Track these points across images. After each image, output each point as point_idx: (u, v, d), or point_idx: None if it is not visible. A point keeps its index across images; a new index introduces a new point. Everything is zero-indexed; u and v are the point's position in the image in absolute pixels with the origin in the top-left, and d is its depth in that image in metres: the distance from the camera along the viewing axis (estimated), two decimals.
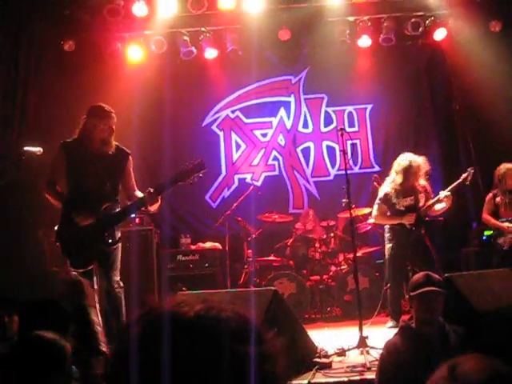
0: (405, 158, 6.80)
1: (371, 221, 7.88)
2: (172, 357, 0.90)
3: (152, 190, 5.06)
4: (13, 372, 1.64)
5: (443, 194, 6.63)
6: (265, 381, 0.94)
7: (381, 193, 6.95)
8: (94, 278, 5.22)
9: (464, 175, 6.88)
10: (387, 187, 6.88)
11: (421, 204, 6.79)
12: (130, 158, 5.43)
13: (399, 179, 6.74)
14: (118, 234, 5.27)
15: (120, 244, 5.30)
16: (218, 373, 0.90)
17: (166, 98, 10.11)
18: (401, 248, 6.76)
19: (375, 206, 6.97)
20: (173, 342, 0.92)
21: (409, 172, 6.69)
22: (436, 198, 6.71)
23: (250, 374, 0.92)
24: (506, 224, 7.40)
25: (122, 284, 5.25)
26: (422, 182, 6.87)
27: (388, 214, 6.88)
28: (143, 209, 5.26)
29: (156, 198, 5.10)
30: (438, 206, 6.77)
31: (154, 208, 5.23)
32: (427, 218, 7.03)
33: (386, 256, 6.95)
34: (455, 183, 6.86)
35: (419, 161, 6.76)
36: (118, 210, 5.25)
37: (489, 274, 4.85)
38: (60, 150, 5.33)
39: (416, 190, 6.81)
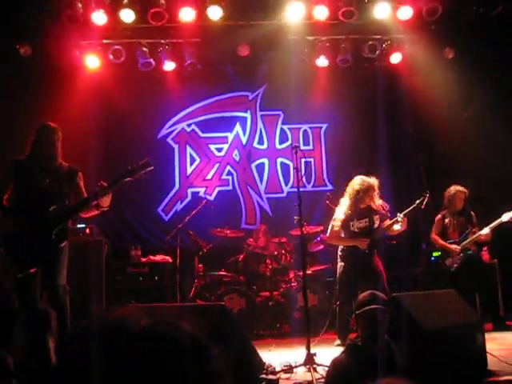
0: (358, 181, 6.88)
1: (323, 239, 7.92)
2: (115, 372, 0.88)
3: (105, 184, 5.11)
4: None
5: (400, 216, 6.72)
6: None
7: (336, 214, 6.99)
8: (37, 285, 5.15)
9: (419, 200, 7.03)
10: (342, 208, 6.93)
11: (376, 225, 6.87)
12: (80, 174, 5.51)
13: (353, 201, 6.80)
14: (66, 238, 5.22)
15: (67, 249, 5.25)
16: None
17: (122, 108, 10.04)
18: (352, 267, 6.81)
19: (330, 227, 7.01)
20: (116, 357, 0.89)
21: (362, 194, 6.77)
22: (393, 220, 6.79)
23: None
24: (454, 246, 7.55)
25: (67, 288, 5.20)
26: (378, 201, 6.93)
27: (342, 235, 6.94)
28: (95, 203, 5.23)
29: (108, 191, 5.14)
30: (394, 227, 6.86)
31: (105, 202, 5.25)
32: (380, 240, 7.13)
33: (338, 274, 6.99)
34: (411, 207, 6.98)
35: (371, 181, 6.84)
36: (67, 208, 5.21)
37: (435, 295, 4.94)
38: (10, 167, 5.38)
39: (371, 212, 6.88)
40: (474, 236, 7.53)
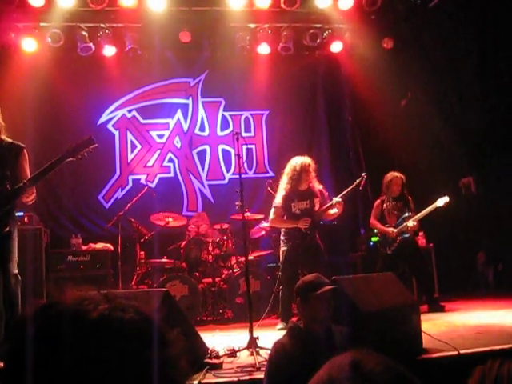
0: (294, 161, 7.01)
1: (265, 224, 8.01)
2: (72, 358, 0.86)
3: (26, 182, 4.97)
4: None
5: (336, 199, 6.84)
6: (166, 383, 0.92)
7: (277, 196, 7.07)
8: None
9: (357, 180, 7.14)
10: (282, 191, 7.03)
11: (316, 208, 6.99)
12: (25, 151, 5.27)
13: (292, 181, 6.93)
14: (12, 221, 5.09)
15: (16, 235, 5.12)
16: (120, 377, 0.87)
17: (60, 93, 9.86)
18: (295, 251, 6.88)
19: (272, 210, 7.08)
20: (73, 343, 0.87)
21: (299, 172, 6.90)
22: (329, 204, 6.89)
23: (153, 378, 0.90)
24: (391, 229, 7.76)
25: (19, 278, 5.08)
26: (318, 186, 7.07)
27: (284, 217, 7.03)
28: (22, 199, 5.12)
29: (30, 187, 5.00)
30: (331, 211, 6.95)
31: (29, 198, 5.11)
32: (321, 223, 7.27)
33: (281, 258, 7.06)
34: (348, 189, 7.09)
35: (307, 160, 6.98)
36: (7, 192, 5.05)
37: (373, 277, 5.07)
38: None
39: (312, 194, 6.99)
40: (408, 223, 7.73)
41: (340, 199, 6.83)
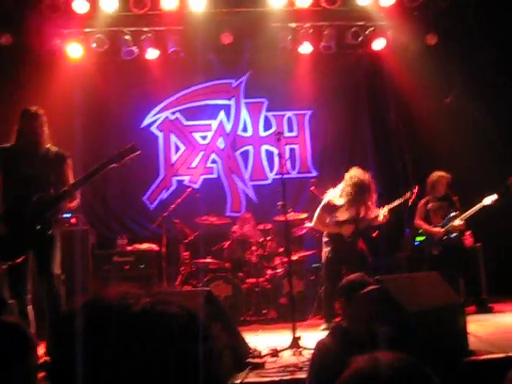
0: (358, 174, 6.91)
1: (309, 224, 7.98)
2: (115, 350, 0.88)
3: (69, 187, 5.14)
4: None
5: (382, 212, 6.89)
6: (210, 378, 0.93)
7: (325, 200, 7.06)
8: (28, 275, 5.17)
9: (407, 194, 7.19)
10: (332, 196, 7.02)
11: (361, 215, 6.96)
12: (68, 160, 5.44)
13: (350, 193, 6.87)
14: (54, 224, 5.22)
15: (57, 238, 5.26)
16: (163, 370, 0.88)
17: (105, 97, 10.01)
18: (337, 253, 6.92)
19: (317, 212, 7.07)
20: (117, 335, 0.90)
21: (360, 188, 6.84)
22: (375, 215, 6.95)
23: (196, 372, 0.90)
24: (437, 229, 7.64)
25: (62, 277, 5.22)
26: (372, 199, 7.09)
27: (327, 220, 7.01)
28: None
29: (73, 193, 5.17)
30: (375, 220, 7.02)
31: (72, 203, 5.29)
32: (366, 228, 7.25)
33: (323, 259, 7.07)
34: (396, 202, 7.12)
35: (368, 178, 6.91)
36: (51, 197, 5.18)
37: (418, 277, 5.01)
38: None
39: (360, 203, 6.98)
40: (455, 222, 7.60)
41: (386, 213, 6.86)
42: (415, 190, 7.14)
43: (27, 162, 5.23)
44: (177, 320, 0.94)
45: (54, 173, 5.31)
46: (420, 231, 8.10)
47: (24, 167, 5.21)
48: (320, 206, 7.07)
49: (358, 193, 6.84)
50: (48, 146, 5.38)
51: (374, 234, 7.43)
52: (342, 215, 6.93)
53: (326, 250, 7.04)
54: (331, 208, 6.95)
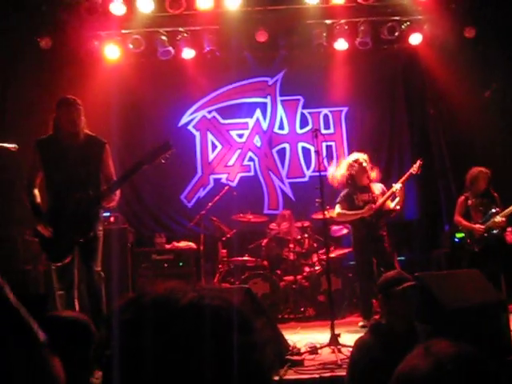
0: (350, 158, 7.34)
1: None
2: (164, 343, 0.91)
3: (105, 188, 5.19)
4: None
5: (396, 186, 6.91)
6: (254, 370, 0.95)
7: (341, 191, 7.21)
8: (75, 270, 5.28)
9: (414, 165, 7.17)
10: (344, 186, 7.21)
11: (378, 199, 7.05)
12: (107, 146, 5.44)
13: (350, 177, 7.12)
14: (97, 224, 5.30)
15: (101, 236, 5.34)
16: (210, 361, 0.90)
17: (142, 98, 10.13)
18: (363, 241, 7.02)
19: (336, 205, 7.16)
20: (165, 328, 0.92)
21: (353, 168, 7.08)
22: (390, 191, 6.99)
23: (241, 363, 0.92)
24: (478, 225, 7.53)
25: (102, 275, 5.30)
26: (378, 184, 7.25)
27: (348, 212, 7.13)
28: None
29: (109, 195, 5.19)
30: (391, 204, 7.08)
31: (110, 204, 5.33)
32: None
33: (354, 252, 7.18)
34: (406, 174, 7.15)
35: (361, 157, 7.18)
36: (90, 199, 5.23)
37: (458, 274, 4.95)
38: (34, 148, 5.39)
39: (371, 188, 7.13)
40: (496, 219, 7.48)
41: (400, 185, 6.88)
42: (420, 161, 7.12)
43: (67, 154, 5.25)
44: (222, 313, 0.96)
45: (94, 161, 5.33)
46: (460, 228, 7.99)
47: (64, 160, 5.24)
48: (338, 198, 7.19)
49: (354, 171, 7.08)
50: (86, 132, 5.39)
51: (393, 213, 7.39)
52: (360, 198, 7.07)
53: (353, 243, 7.24)
54: (348, 196, 7.11)
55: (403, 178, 7.07)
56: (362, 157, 7.16)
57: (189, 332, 0.92)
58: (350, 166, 7.12)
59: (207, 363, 0.90)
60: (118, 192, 5.29)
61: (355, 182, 7.11)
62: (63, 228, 5.10)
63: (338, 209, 7.15)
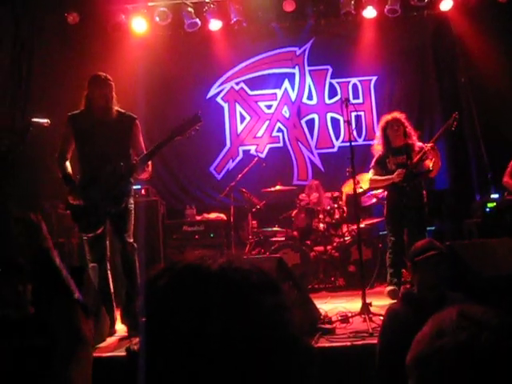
0: (381, 120, 6.96)
1: (374, 192, 7.90)
2: (199, 308, 0.94)
3: (136, 161, 5.23)
4: None
5: (428, 145, 6.54)
6: (283, 330, 0.97)
7: (375, 157, 6.96)
8: (107, 242, 5.40)
9: (449, 121, 6.73)
10: (377, 150, 6.93)
11: (410, 162, 6.68)
12: (137, 122, 5.51)
13: (382, 139, 6.81)
14: (128, 196, 5.38)
15: (132, 208, 5.42)
16: (242, 323, 0.93)
17: (170, 70, 10.13)
18: (396, 209, 6.71)
19: (370, 171, 6.94)
20: (197, 294, 0.95)
21: (385, 129, 6.76)
22: (422, 151, 6.57)
23: (274, 324, 0.95)
24: None
25: (135, 246, 5.40)
26: (419, 143, 6.79)
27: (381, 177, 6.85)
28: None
29: (142, 167, 5.25)
30: (428, 163, 6.62)
31: (143, 176, 5.42)
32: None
33: (385, 220, 6.98)
34: (439, 131, 6.84)
35: (391, 116, 6.82)
36: (122, 170, 5.30)
37: (491, 243, 4.90)
38: (67, 122, 5.47)
39: (409, 149, 6.74)
40: None
41: (432, 143, 6.53)
42: (456, 116, 6.63)
43: (99, 129, 5.32)
44: (252, 276, 0.99)
45: (125, 137, 5.40)
46: (491, 197, 7.86)
47: (96, 134, 5.32)
48: (371, 164, 6.94)
49: (386, 133, 6.75)
50: (116, 108, 5.46)
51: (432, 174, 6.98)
52: (392, 162, 6.74)
53: (385, 213, 6.93)
54: (380, 160, 6.81)
55: (436, 135, 6.74)
56: (395, 115, 6.81)
57: (220, 295, 0.95)
58: (383, 125, 6.79)
59: (240, 326, 0.93)
60: (149, 164, 5.36)
61: (389, 142, 6.78)
62: (95, 199, 5.19)
63: (370, 174, 6.92)
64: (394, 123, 6.74)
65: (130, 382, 0.98)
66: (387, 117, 6.84)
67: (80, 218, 5.23)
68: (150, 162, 5.38)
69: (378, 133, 6.91)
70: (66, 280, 1.64)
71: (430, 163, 6.58)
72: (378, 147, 6.93)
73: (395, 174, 6.58)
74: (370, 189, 7.64)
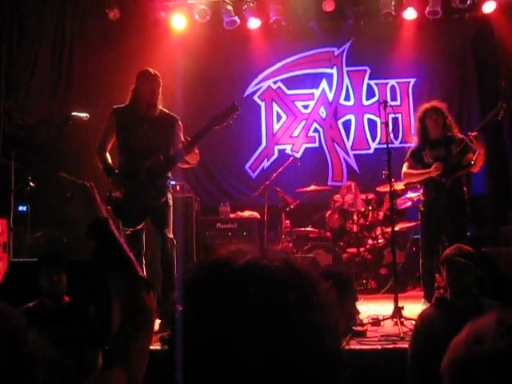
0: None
1: (411, 195, 7.74)
2: (225, 303, 0.95)
3: (172, 154, 5.31)
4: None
5: (472, 133, 5.82)
6: (316, 331, 0.96)
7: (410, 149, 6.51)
8: (143, 238, 5.46)
9: (494, 110, 5.97)
10: (413, 143, 6.51)
11: (448, 155, 6.11)
12: (179, 122, 5.57)
13: (418, 130, 6.32)
14: (167, 191, 5.44)
15: (171, 203, 5.47)
16: (264, 320, 0.93)
17: (208, 68, 10.18)
18: (433, 207, 6.11)
19: (404, 164, 6.40)
20: (224, 288, 0.96)
21: (422, 120, 6.27)
22: (464, 142, 5.95)
23: (300, 323, 0.94)
24: None
25: (175, 242, 5.45)
26: (460, 135, 6.23)
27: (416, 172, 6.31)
28: (185, 160, 5.39)
29: (192, 148, 5.27)
30: (471, 156, 5.97)
31: (192, 160, 5.41)
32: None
33: (419, 221, 6.42)
34: (485, 120, 6.17)
35: (428, 105, 6.32)
36: (161, 163, 5.35)
37: None
38: (111, 114, 5.53)
39: (448, 141, 6.17)
40: None
41: (475, 133, 5.81)
42: (503, 104, 5.88)
43: (141, 125, 5.39)
44: (278, 273, 0.98)
45: (165, 135, 5.45)
46: None
47: (138, 130, 5.38)
48: (406, 157, 6.43)
49: (421, 121, 6.26)
50: (161, 108, 5.51)
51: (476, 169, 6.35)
52: (429, 155, 6.18)
53: (421, 210, 6.29)
54: (416, 152, 6.30)
55: (481, 125, 6.07)
56: (435, 103, 6.31)
57: (243, 291, 0.95)
58: (421, 114, 6.26)
59: (260, 322, 0.93)
60: (196, 150, 5.37)
61: (427, 134, 6.21)
62: (135, 193, 5.25)
63: (404, 168, 6.35)
64: (434, 112, 6.21)
65: (166, 371, 1.00)
66: (426, 105, 6.34)
67: (121, 212, 5.27)
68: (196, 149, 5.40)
69: (416, 123, 6.41)
70: (127, 253, 1.67)
71: (473, 157, 5.94)
72: (413, 139, 6.52)
73: (433, 167, 6.01)
74: (404, 184, 6.78)
